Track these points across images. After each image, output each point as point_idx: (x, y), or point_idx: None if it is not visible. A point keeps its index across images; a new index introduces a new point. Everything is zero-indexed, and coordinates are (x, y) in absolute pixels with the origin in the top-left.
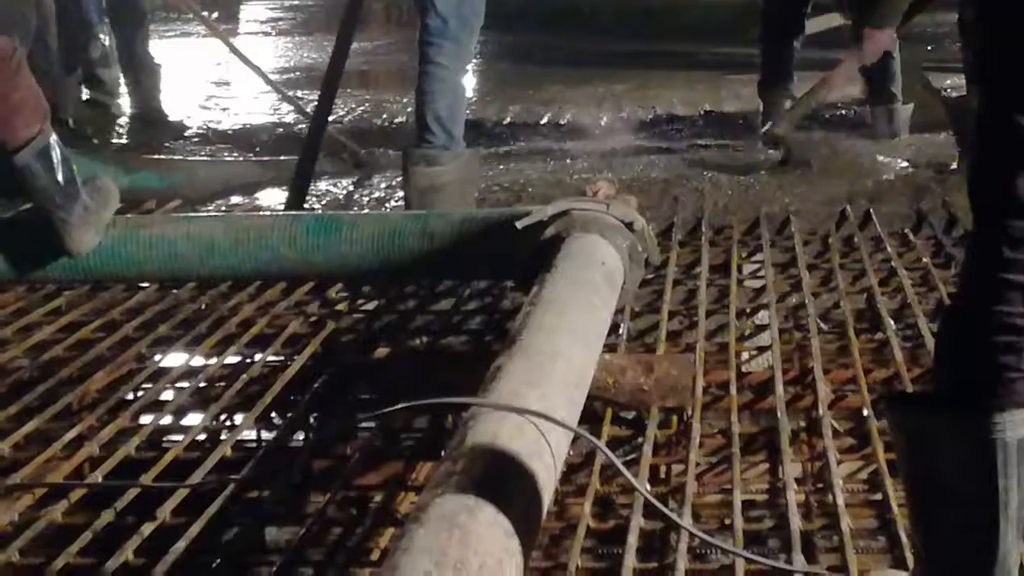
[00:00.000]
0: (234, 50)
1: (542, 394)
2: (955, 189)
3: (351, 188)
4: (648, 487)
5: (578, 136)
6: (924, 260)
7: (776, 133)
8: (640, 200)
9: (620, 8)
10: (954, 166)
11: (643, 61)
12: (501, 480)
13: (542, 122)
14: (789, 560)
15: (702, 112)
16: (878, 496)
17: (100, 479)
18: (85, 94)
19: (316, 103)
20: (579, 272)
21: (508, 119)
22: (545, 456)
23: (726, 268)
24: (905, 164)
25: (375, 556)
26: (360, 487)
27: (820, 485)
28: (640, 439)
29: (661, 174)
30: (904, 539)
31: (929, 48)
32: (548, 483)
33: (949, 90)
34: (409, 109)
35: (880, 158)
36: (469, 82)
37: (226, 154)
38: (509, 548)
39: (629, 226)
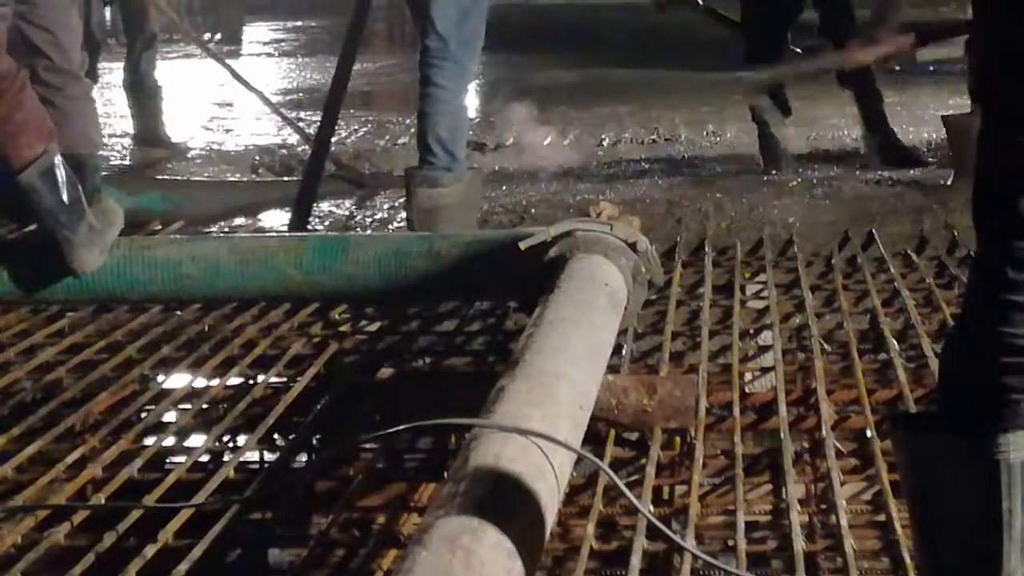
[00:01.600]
0: (234, 74)
1: (545, 415)
2: (957, 210)
3: (353, 209)
4: (651, 508)
5: (581, 157)
6: (927, 281)
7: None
8: (643, 221)
9: (626, 27)
10: (949, 182)
11: (647, 82)
12: (504, 501)
13: (545, 143)
14: None
15: (706, 133)
16: (881, 517)
17: (103, 500)
18: None
19: (319, 124)
20: (582, 293)
21: (510, 140)
22: (548, 477)
23: (729, 289)
24: (906, 185)
25: None
26: (363, 508)
27: (823, 506)
28: (643, 460)
29: (664, 195)
30: (908, 561)
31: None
32: (551, 504)
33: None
34: (411, 130)
35: (883, 178)
36: (471, 103)
37: (229, 175)
38: (512, 570)
39: (632, 247)
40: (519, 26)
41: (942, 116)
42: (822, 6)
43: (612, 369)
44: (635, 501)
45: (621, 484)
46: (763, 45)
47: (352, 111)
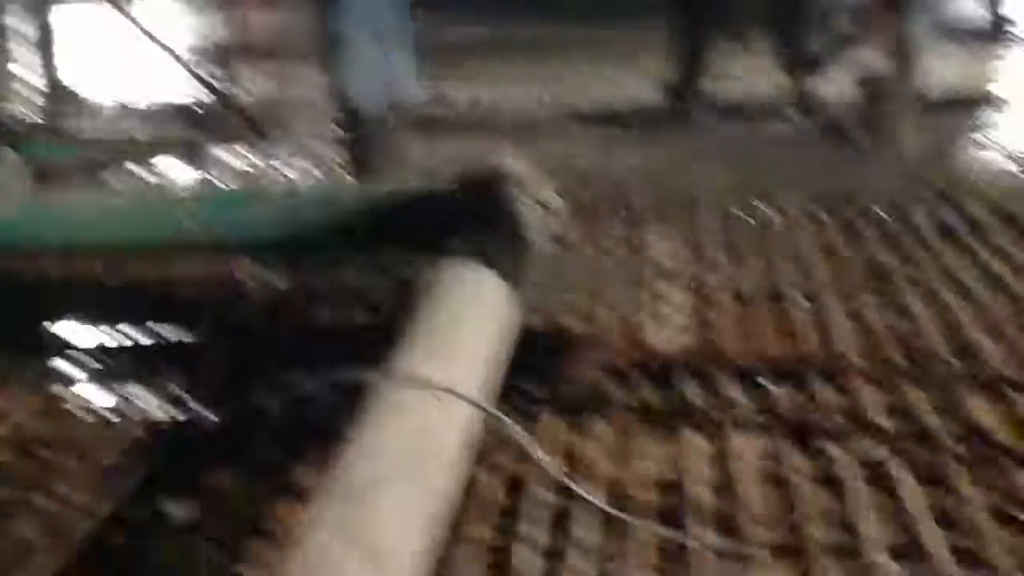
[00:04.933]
0: (140, 26)
1: (450, 369)
2: (869, 167)
3: (258, 162)
4: (558, 463)
5: (499, 115)
6: (835, 238)
7: None
8: (553, 179)
9: None
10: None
11: (560, 39)
12: (407, 455)
13: (458, 99)
14: (692, 534)
15: (617, 89)
16: (782, 471)
17: None
18: None
19: (221, 76)
20: (491, 248)
21: (429, 96)
22: (451, 430)
23: (638, 244)
24: (818, 144)
25: (280, 531)
26: (265, 462)
27: (727, 460)
28: (550, 414)
29: (574, 153)
30: None
31: None
32: (454, 457)
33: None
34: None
35: (793, 136)
36: (392, 59)
37: (131, 128)
38: (415, 523)
39: (541, 204)
40: None
41: (861, 77)
42: None
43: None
44: (540, 455)
45: (526, 439)
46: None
47: (258, 64)
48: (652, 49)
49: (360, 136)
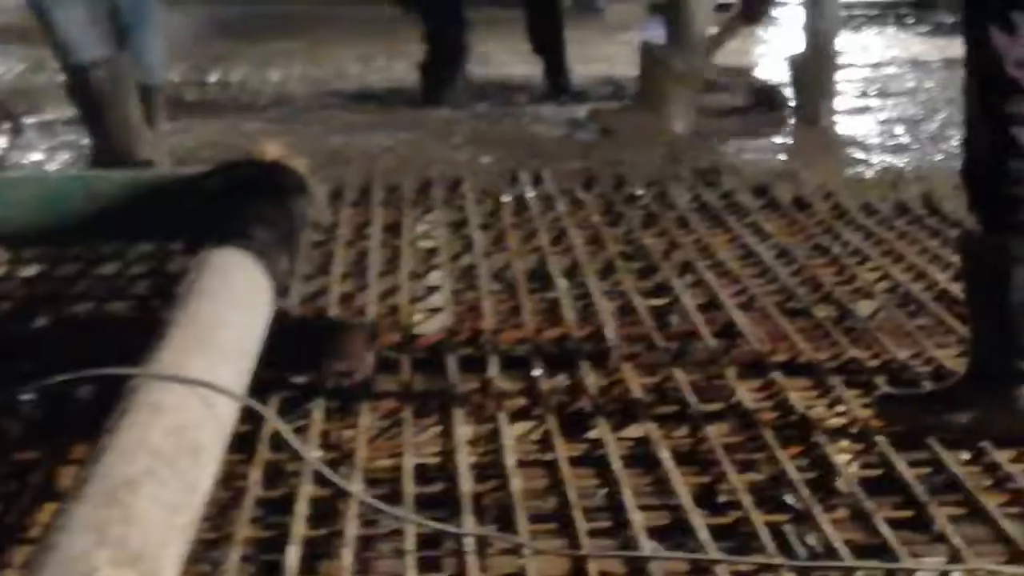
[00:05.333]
0: None
1: (208, 362)
2: (625, 146)
3: (7, 149)
4: (320, 454)
5: (248, 96)
6: (594, 218)
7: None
8: (310, 162)
9: None
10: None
11: (316, 16)
12: (164, 452)
13: (211, 80)
14: (459, 523)
15: (375, 68)
16: (549, 456)
17: None
18: None
19: None
20: (248, 235)
21: (176, 77)
22: (210, 425)
23: (398, 229)
24: (575, 123)
25: (35, 533)
26: (19, 461)
27: (492, 447)
28: (311, 404)
29: (332, 135)
30: (574, 500)
31: None
32: (214, 453)
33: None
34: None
35: (550, 117)
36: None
37: None
38: (173, 522)
39: (298, 188)
40: None
41: (641, 43)
42: None
43: (282, 312)
44: (299, 447)
45: (286, 430)
46: None
47: (10, 46)
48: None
49: (86, 102)
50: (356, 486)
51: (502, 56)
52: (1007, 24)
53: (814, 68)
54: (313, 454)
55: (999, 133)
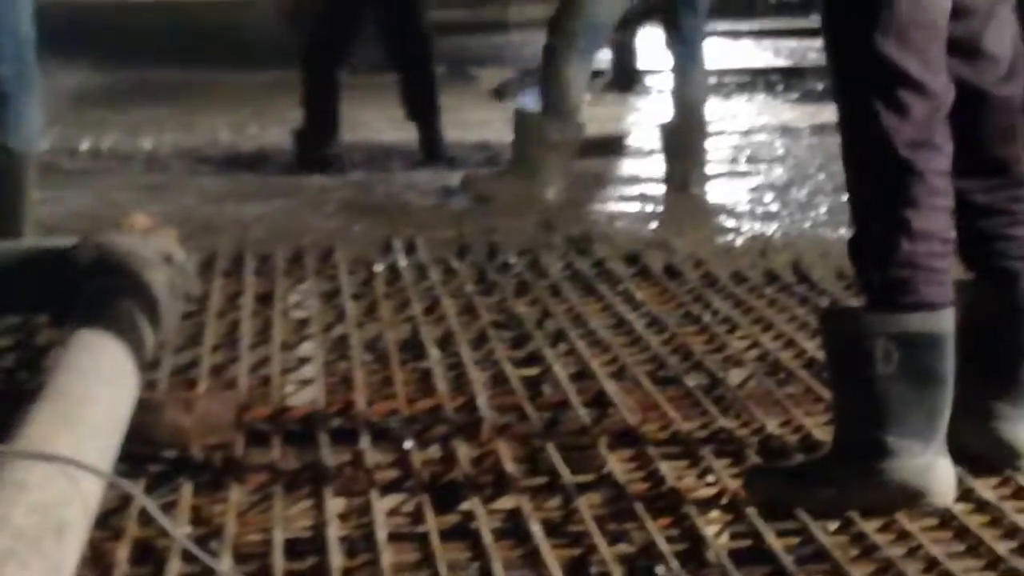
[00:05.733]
0: None
1: (74, 439)
2: (498, 214)
3: None
4: (189, 529)
5: (118, 165)
6: (467, 287)
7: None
8: (180, 232)
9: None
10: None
11: (187, 83)
12: (27, 532)
13: (82, 148)
14: None
15: (248, 136)
16: (421, 528)
17: None
18: None
19: None
20: (115, 308)
21: (46, 145)
22: (76, 504)
23: (270, 299)
24: (449, 190)
25: None
26: None
27: (363, 520)
28: (181, 479)
29: (203, 204)
30: (445, 573)
31: None
32: (79, 531)
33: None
34: None
35: (424, 185)
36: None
37: None
38: None
39: (167, 259)
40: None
41: (516, 109)
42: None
43: (150, 385)
44: (166, 524)
45: (152, 507)
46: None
47: None
48: (287, 96)
49: None
50: (225, 562)
51: (377, 122)
52: (896, 103)
53: (684, 136)
54: (181, 530)
55: (892, 217)
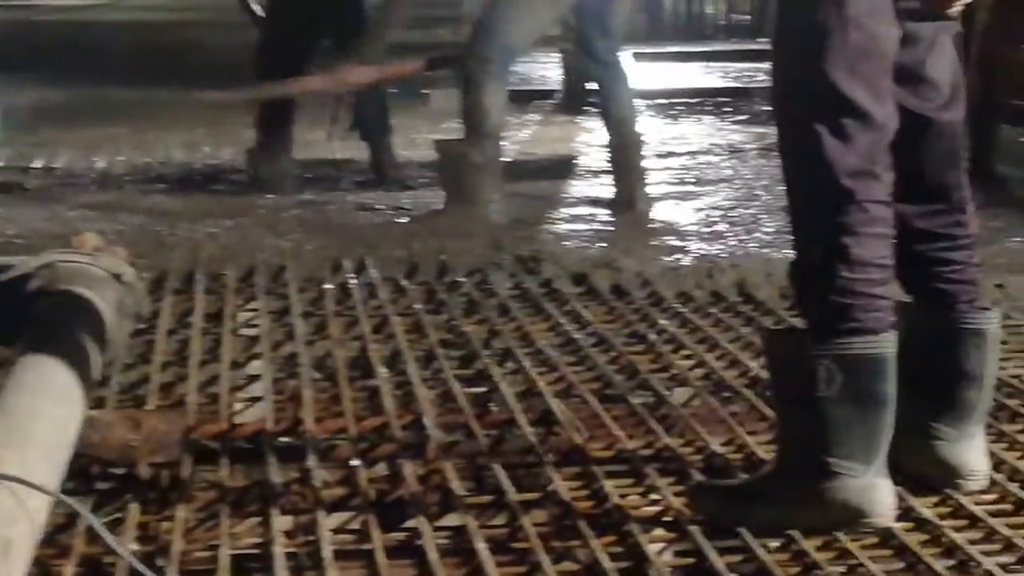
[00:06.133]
0: None
1: (21, 457)
2: (446, 234)
3: None
4: (136, 547)
5: (72, 183)
6: (416, 306)
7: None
8: (132, 250)
9: (120, 46)
10: (440, 206)
11: (142, 103)
12: None
13: (35, 167)
14: None
15: (201, 155)
16: (367, 546)
17: None
18: None
19: None
20: (64, 327)
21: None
22: (22, 522)
23: (220, 317)
24: (399, 210)
25: None
26: None
27: (310, 537)
28: (128, 496)
29: (155, 223)
30: None
31: None
32: (25, 549)
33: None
34: None
35: (375, 204)
36: None
37: None
38: None
39: (117, 277)
40: (5, 42)
41: (434, 140)
42: (336, 30)
43: (99, 403)
44: (113, 541)
45: (98, 524)
46: (279, 63)
47: None
48: (241, 116)
49: None
50: None
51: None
52: (840, 132)
53: (621, 155)
54: (128, 547)
55: (832, 244)
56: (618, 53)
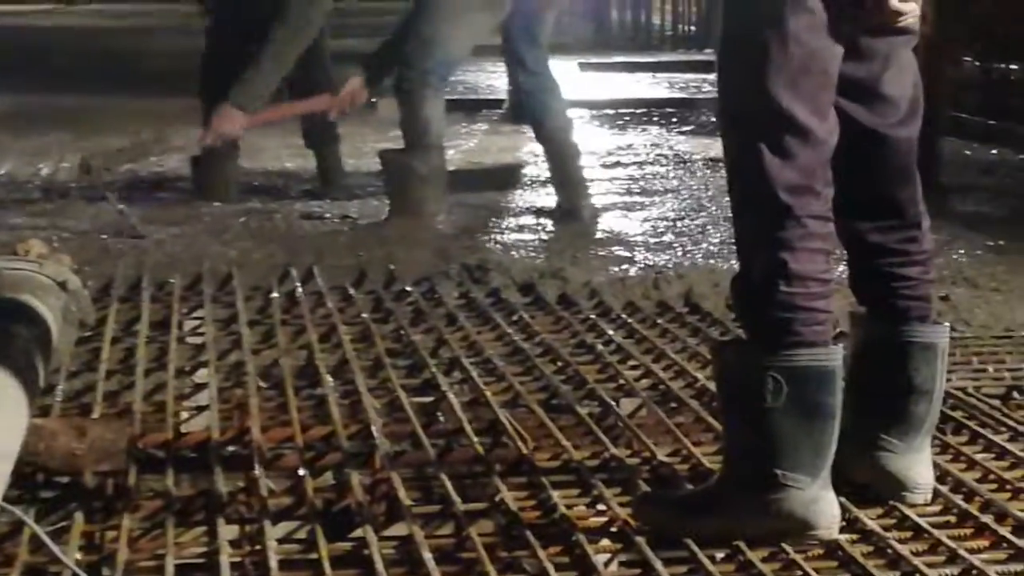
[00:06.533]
0: None
1: None
2: (393, 243)
3: None
4: (80, 556)
5: (16, 190)
6: (364, 315)
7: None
8: (77, 258)
9: (66, 51)
10: (385, 217)
11: (88, 108)
12: None
13: None
14: None
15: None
16: (313, 555)
17: None
18: None
19: None
20: (8, 334)
21: None
22: None
23: (166, 325)
24: (346, 219)
25: None
26: None
27: (256, 546)
28: (73, 505)
29: (101, 230)
30: None
31: None
32: None
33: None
34: None
35: (322, 213)
36: None
37: None
38: None
39: (62, 285)
40: None
41: (379, 152)
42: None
43: (43, 411)
44: (56, 550)
45: (41, 533)
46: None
47: None
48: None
49: None
50: None
51: (277, 149)
52: (780, 148)
53: (562, 166)
54: (73, 557)
55: (770, 259)
56: (547, 63)
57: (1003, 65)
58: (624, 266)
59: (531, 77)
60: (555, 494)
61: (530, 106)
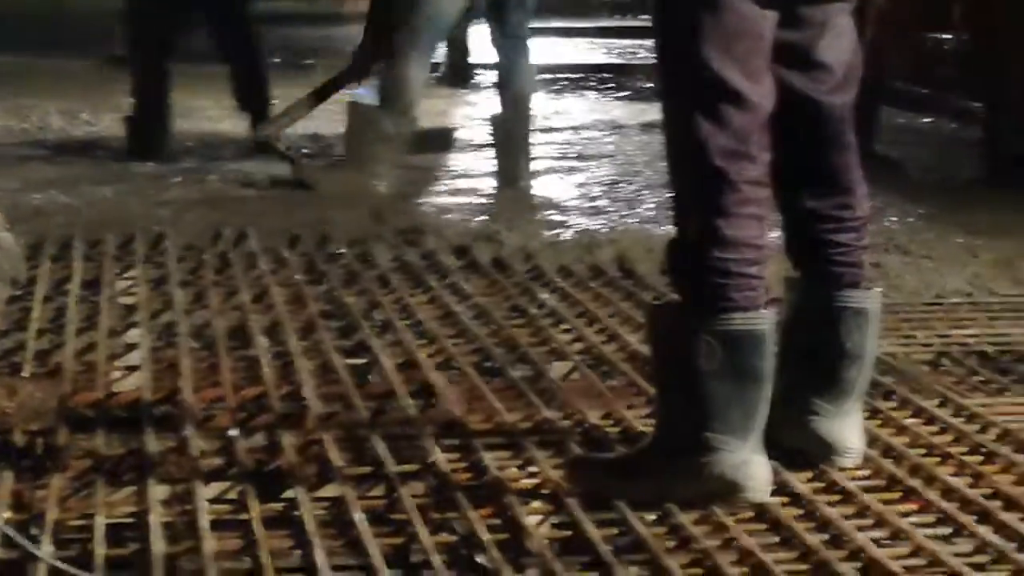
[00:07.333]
0: None
1: None
2: (330, 205)
3: None
4: (8, 515)
5: None
6: (297, 277)
7: (263, 137)
8: (8, 216)
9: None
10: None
11: (17, 69)
12: None
13: None
14: None
15: (79, 122)
16: (244, 516)
17: None
18: None
19: None
20: None
21: None
22: None
23: (98, 285)
24: (279, 181)
25: None
26: None
27: (187, 507)
28: (2, 465)
29: (33, 190)
30: (268, 562)
31: None
32: None
33: None
34: None
35: (255, 175)
36: None
37: None
38: None
39: None
40: None
41: (349, 101)
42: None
43: None
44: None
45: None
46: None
47: None
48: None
49: None
50: (45, 548)
51: (211, 110)
52: (713, 112)
53: (513, 129)
54: (1, 516)
55: (704, 224)
56: (528, 27)
57: (936, 35)
58: (558, 230)
59: (510, 41)
60: (487, 456)
61: (504, 67)
